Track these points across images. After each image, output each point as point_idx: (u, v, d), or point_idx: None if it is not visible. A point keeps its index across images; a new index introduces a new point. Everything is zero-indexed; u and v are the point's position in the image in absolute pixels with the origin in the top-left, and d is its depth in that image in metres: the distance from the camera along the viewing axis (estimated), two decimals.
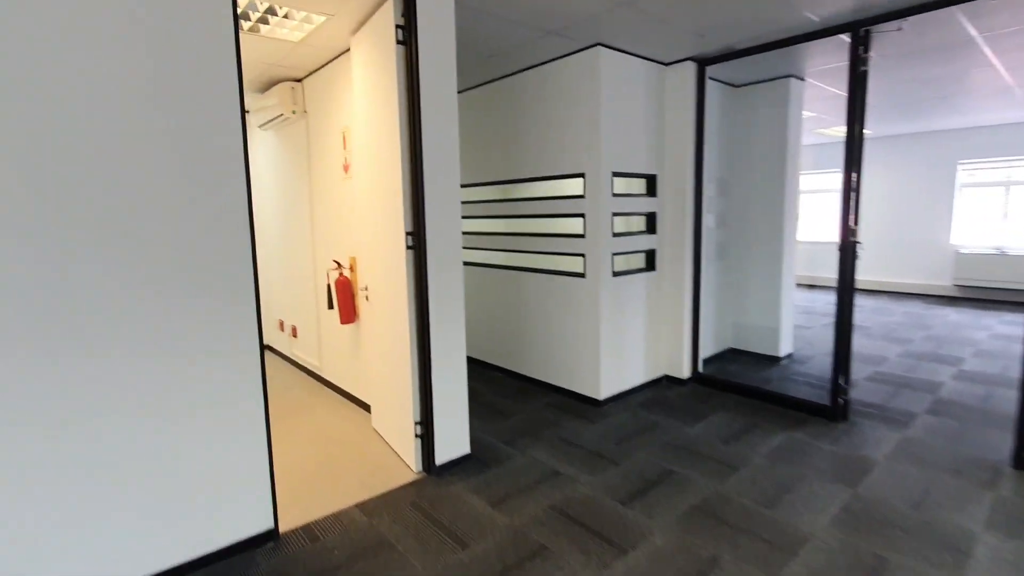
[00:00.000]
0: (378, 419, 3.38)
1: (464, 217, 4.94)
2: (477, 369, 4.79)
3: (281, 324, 5.34)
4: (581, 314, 3.84)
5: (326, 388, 4.43)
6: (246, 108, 5.24)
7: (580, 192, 3.76)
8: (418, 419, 2.84)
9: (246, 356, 2.13)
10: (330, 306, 3.79)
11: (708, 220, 4.30)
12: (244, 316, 2.11)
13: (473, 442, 3.17)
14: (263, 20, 2.98)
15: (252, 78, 4.14)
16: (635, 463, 2.91)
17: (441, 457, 2.86)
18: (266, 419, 2.20)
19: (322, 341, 4.46)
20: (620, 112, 3.72)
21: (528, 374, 4.37)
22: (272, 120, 4.45)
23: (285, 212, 4.93)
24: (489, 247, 4.66)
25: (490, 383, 4.40)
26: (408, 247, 2.71)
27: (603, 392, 3.79)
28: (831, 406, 3.47)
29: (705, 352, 4.37)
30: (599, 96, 3.57)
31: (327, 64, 3.80)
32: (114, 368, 1.84)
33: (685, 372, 4.19)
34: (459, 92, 4.76)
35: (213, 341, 2.04)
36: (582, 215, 3.76)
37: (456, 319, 2.85)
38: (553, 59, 3.84)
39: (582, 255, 3.78)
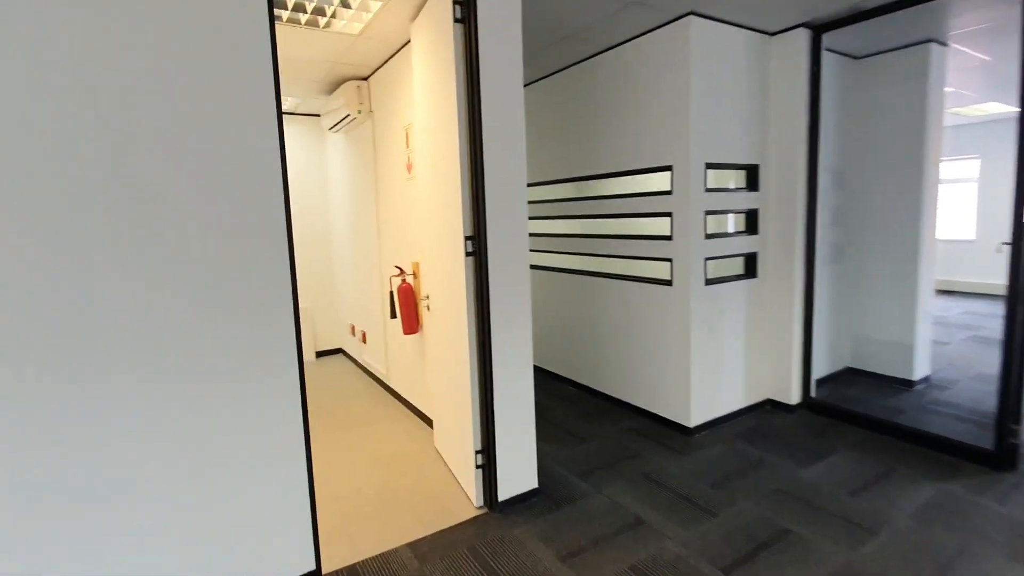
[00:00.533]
0: (440, 439, 3.11)
1: (535, 218, 4.59)
2: (547, 382, 4.41)
3: (353, 329, 5.27)
4: (668, 326, 3.35)
5: (392, 398, 4.25)
6: (316, 112, 5.25)
7: (666, 188, 3.27)
8: (479, 447, 2.52)
9: (283, 377, 1.90)
10: (392, 315, 3.58)
11: (822, 217, 3.64)
12: (281, 334, 1.88)
13: (542, 472, 2.80)
14: (319, 11, 2.80)
15: (318, 78, 4.04)
16: (738, 515, 2.39)
17: (505, 491, 2.52)
18: (306, 447, 1.96)
19: (388, 349, 4.29)
20: (715, 93, 3.19)
21: (605, 391, 3.93)
22: (340, 122, 4.34)
23: (354, 215, 4.84)
24: (562, 250, 4.26)
25: (562, 399, 4.00)
26: (467, 253, 2.39)
27: (694, 418, 3.28)
28: (996, 451, 2.74)
29: (818, 372, 3.71)
30: (690, 75, 3.06)
31: (390, 59, 3.60)
32: (132, 388, 1.67)
33: (793, 397, 3.56)
34: (527, 84, 4.41)
35: (245, 361, 1.83)
36: (668, 214, 3.27)
37: (522, 335, 2.50)
38: (635, 36, 3.38)
39: (668, 260, 3.29)
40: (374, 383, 4.66)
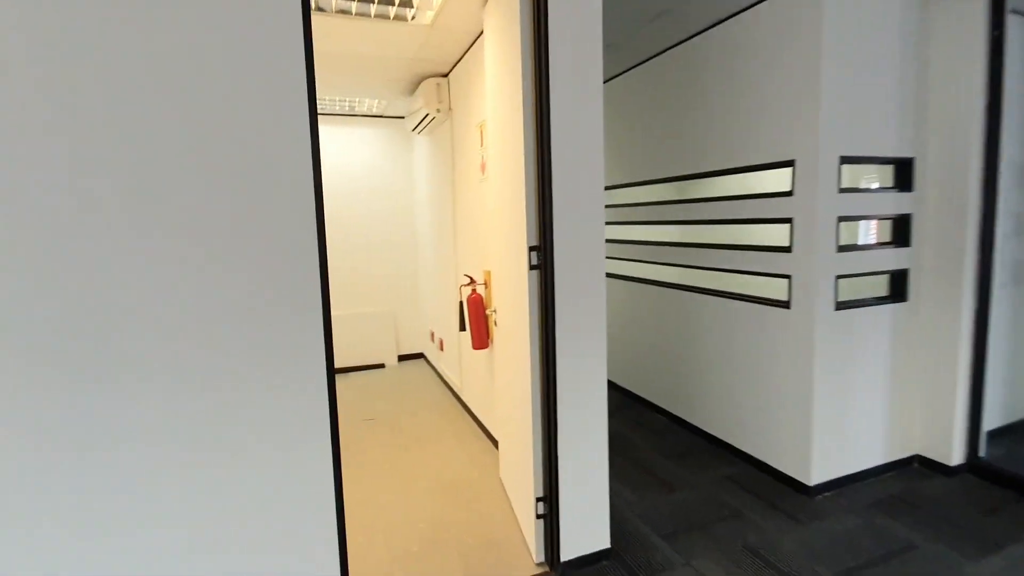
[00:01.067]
0: (505, 470, 2.78)
1: (621, 223, 4.11)
2: (630, 407, 3.92)
3: (432, 335, 5.14)
4: (783, 357, 2.74)
5: (463, 412, 4.00)
6: (400, 114, 5.18)
7: (786, 188, 2.68)
8: (540, 494, 2.15)
9: (304, 394, 1.66)
10: (462, 327, 3.32)
11: (1002, 225, 2.80)
12: (308, 344, 1.64)
13: (616, 524, 2.36)
14: (387, 1, 2.59)
15: (399, 77, 3.90)
16: None
17: (570, 549, 2.12)
18: (335, 478, 1.72)
19: (462, 360, 4.06)
20: (854, 68, 2.54)
21: (701, 426, 3.36)
22: (421, 122, 4.18)
23: (433, 218, 4.68)
24: (653, 259, 3.75)
25: (647, 430, 3.50)
26: (531, 266, 2.04)
27: (815, 474, 2.64)
28: None
29: (990, 423, 2.87)
30: (821, 46, 2.46)
31: (467, 52, 3.34)
32: (135, 394, 1.51)
33: (954, 455, 2.77)
34: (613, 77, 3.95)
35: (263, 371, 1.61)
36: (788, 220, 2.66)
37: (594, 365, 2.09)
38: (749, 6, 2.81)
39: (786, 277, 2.69)
40: (448, 393, 4.46)
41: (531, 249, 2.03)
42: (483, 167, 3.15)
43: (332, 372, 1.70)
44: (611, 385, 4.47)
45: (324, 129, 5.08)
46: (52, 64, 1.38)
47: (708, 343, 3.26)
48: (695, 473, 2.90)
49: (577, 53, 1.96)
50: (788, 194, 2.66)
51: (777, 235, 2.75)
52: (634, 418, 3.75)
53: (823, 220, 2.52)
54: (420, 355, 5.66)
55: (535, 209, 2.03)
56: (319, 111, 4.90)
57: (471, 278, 3.25)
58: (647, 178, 3.79)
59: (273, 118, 1.59)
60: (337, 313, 5.25)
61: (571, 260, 2.02)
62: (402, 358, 5.57)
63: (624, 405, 4.02)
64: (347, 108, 4.90)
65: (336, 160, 5.17)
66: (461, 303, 3.30)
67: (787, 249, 2.68)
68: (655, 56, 3.59)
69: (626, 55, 3.61)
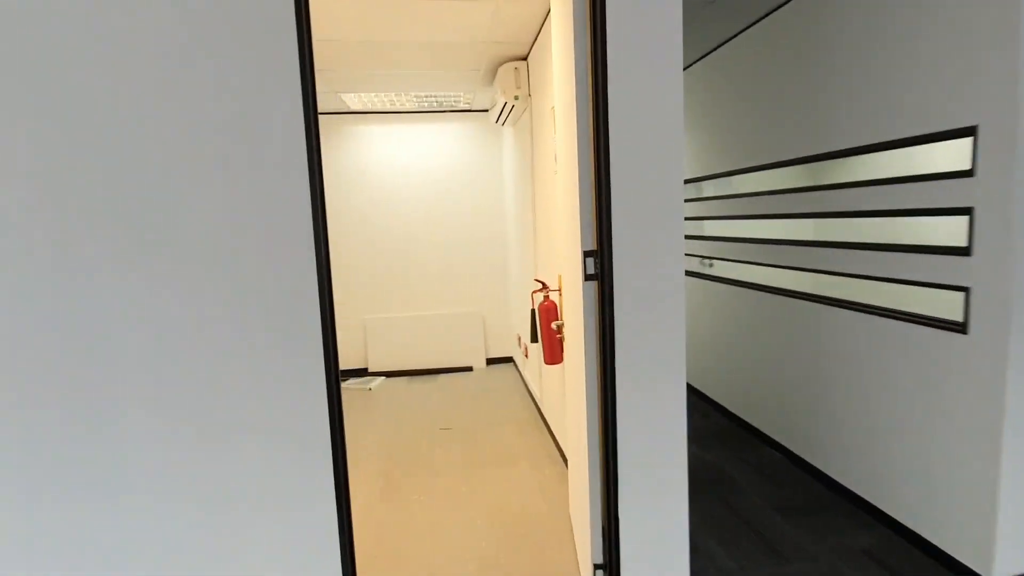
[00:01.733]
0: (573, 509, 2.39)
1: (722, 218, 3.45)
2: (733, 433, 3.27)
3: (519, 339, 4.85)
4: (954, 399, 2.01)
5: (543, 429, 3.65)
6: (485, 106, 4.91)
7: (962, 166, 1.94)
8: (598, 560, 1.73)
9: (300, 426, 1.42)
10: (533, 338, 2.96)
11: None
12: (304, 377, 1.40)
13: None
14: None
15: (476, 65, 3.62)
16: None
17: None
18: (339, 505, 1.46)
19: (542, 372, 3.70)
20: None
21: (828, 472, 2.66)
22: (502, 112, 3.88)
23: (517, 215, 4.36)
24: (763, 261, 3.07)
25: (755, 468, 2.86)
26: (587, 276, 1.62)
27: (1000, 566, 1.89)
28: None
29: None
30: None
31: (542, 27, 2.96)
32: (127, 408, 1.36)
33: None
34: (715, 49, 3.28)
35: (249, 408, 1.39)
36: (966, 210, 1.93)
37: (670, 405, 1.62)
38: None
39: (962, 289, 1.95)
40: (531, 405, 4.13)
41: (586, 255, 1.62)
42: (556, 156, 2.76)
43: (335, 388, 1.44)
44: (712, 405, 3.83)
45: (409, 128, 4.99)
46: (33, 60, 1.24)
47: (843, 368, 2.55)
48: (818, 539, 2.26)
49: (645, 17, 1.49)
50: (966, 174, 1.92)
51: (948, 231, 2.02)
52: (740, 451, 3.12)
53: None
54: (509, 359, 5.40)
55: (591, 202, 1.61)
56: (404, 108, 4.81)
57: (543, 283, 2.87)
58: (758, 163, 3.12)
59: (260, 113, 1.35)
60: (425, 313, 5.17)
61: (637, 270, 1.57)
62: (491, 361, 5.36)
63: (728, 433, 3.39)
64: (435, 104, 4.76)
65: (424, 157, 5.07)
66: (533, 311, 2.95)
67: (964, 251, 1.94)
68: (769, 14, 2.90)
69: (728, 23, 2.97)
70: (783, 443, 3.04)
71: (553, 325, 2.57)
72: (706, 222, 4.06)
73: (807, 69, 2.68)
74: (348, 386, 4.76)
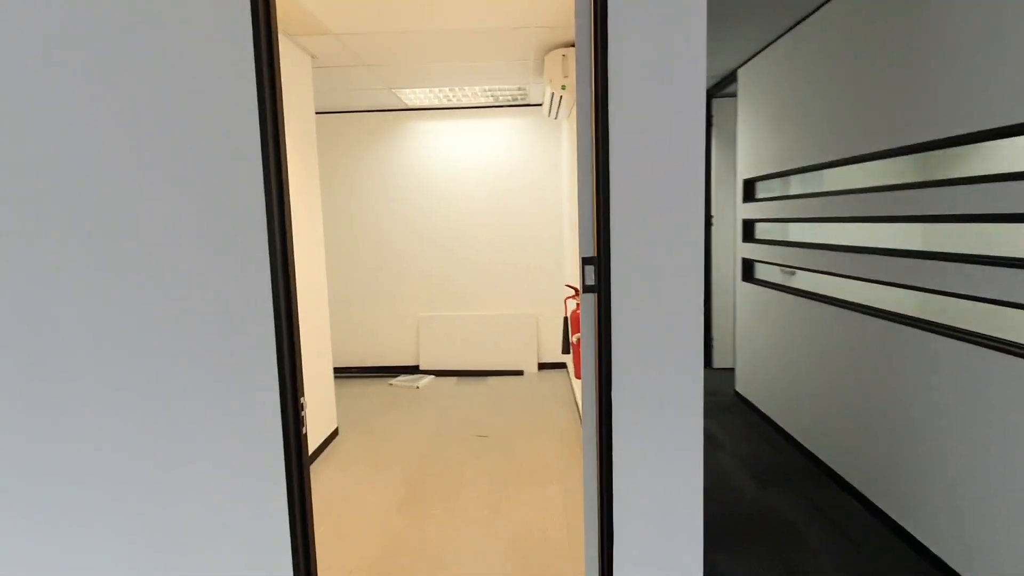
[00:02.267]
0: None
1: (805, 220, 2.95)
2: (805, 472, 2.79)
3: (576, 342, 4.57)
4: None
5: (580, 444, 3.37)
6: (539, 101, 4.64)
7: None
8: None
9: (252, 470, 1.29)
10: (565, 348, 2.70)
11: None
12: (254, 402, 1.27)
13: None
14: None
15: (525, 54, 3.40)
16: None
17: None
18: (294, 529, 1.32)
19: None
20: None
21: (919, 537, 2.16)
22: (552, 104, 3.63)
23: (572, 216, 4.09)
24: (851, 272, 2.57)
25: (827, 520, 2.41)
26: (585, 287, 1.36)
27: None
28: None
29: None
30: None
31: None
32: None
33: None
34: (804, 17, 2.79)
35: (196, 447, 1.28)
36: None
37: (683, 454, 1.32)
38: None
39: None
40: (575, 416, 3.85)
41: (584, 262, 1.35)
42: None
43: (295, 399, 1.31)
44: (785, 437, 3.33)
45: (467, 124, 4.87)
46: None
47: (950, 415, 2.05)
48: None
49: None
50: None
51: None
52: (811, 496, 2.65)
53: None
54: (563, 365, 5.13)
55: (591, 204, 1.34)
56: (461, 104, 4.69)
57: (576, 289, 2.60)
58: (854, 153, 2.62)
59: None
60: (478, 313, 5.04)
61: (642, 283, 1.29)
62: (543, 367, 5.12)
63: (800, 472, 2.91)
64: (491, 99, 4.60)
65: (480, 154, 4.93)
66: (565, 319, 2.69)
67: None
68: None
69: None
70: (863, 492, 2.54)
71: (574, 338, 2.30)
72: (789, 225, 3.55)
73: (917, 32, 2.18)
74: (396, 383, 4.74)
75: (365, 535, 2.44)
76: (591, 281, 1.34)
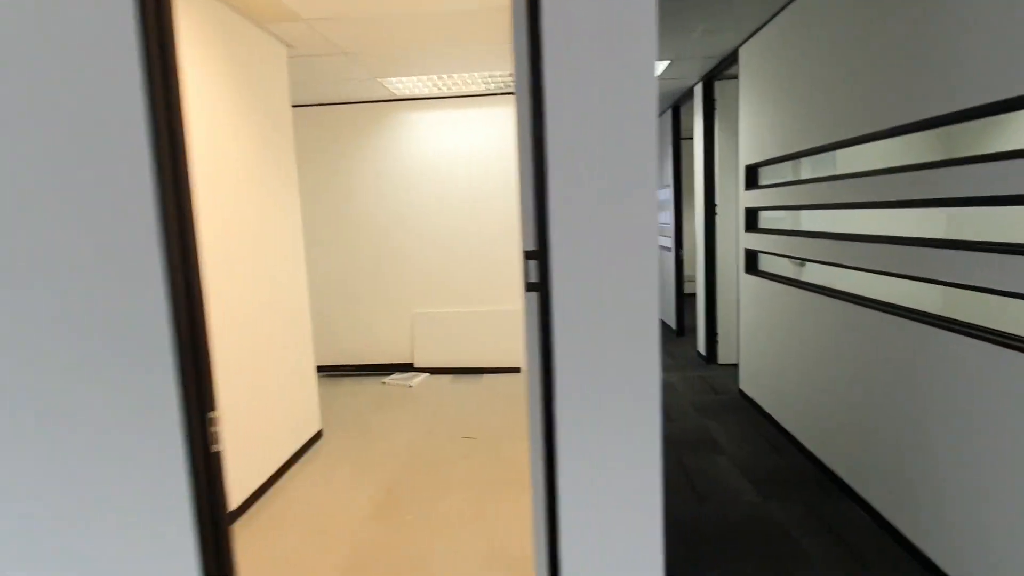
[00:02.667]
0: None
1: (814, 207, 2.74)
2: (812, 481, 2.60)
3: None
4: None
5: None
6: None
7: None
8: None
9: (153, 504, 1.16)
10: None
11: None
12: (154, 422, 1.14)
13: None
14: None
15: (507, 35, 3.22)
16: None
17: None
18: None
19: None
20: None
21: (935, 559, 1.97)
22: None
23: None
24: (864, 264, 2.36)
25: (828, 526, 2.22)
26: (528, 285, 1.20)
27: None
28: None
29: None
30: None
31: None
32: None
33: None
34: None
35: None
36: None
37: (640, 475, 1.16)
38: None
39: None
40: None
41: (527, 257, 1.19)
42: None
43: (202, 419, 1.18)
44: (790, 440, 3.14)
45: (458, 113, 4.70)
46: None
47: (969, 424, 1.85)
48: None
49: None
50: None
51: None
52: (815, 505, 2.46)
53: None
54: None
55: (531, 191, 1.18)
56: (447, 93, 4.52)
57: None
58: (868, 130, 2.41)
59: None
60: (474, 309, 4.90)
61: (587, 280, 1.12)
62: None
63: (804, 479, 2.72)
64: (487, 86, 4.42)
65: (474, 145, 4.76)
66: None
67: None
68: None
69: None
70: (875, 506, 2.35)
71: None
72: (799, 213, 3.34)
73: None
74: (389, 382, 4.63)
75: (333, 543, 2.33)
76: (534, 280, 1.18)
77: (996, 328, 1.72)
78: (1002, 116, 1.80)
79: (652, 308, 1.12)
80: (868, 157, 2.75)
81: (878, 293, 2.39)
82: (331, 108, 4.72)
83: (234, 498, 2.56)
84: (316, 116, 4.74)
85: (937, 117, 1.88)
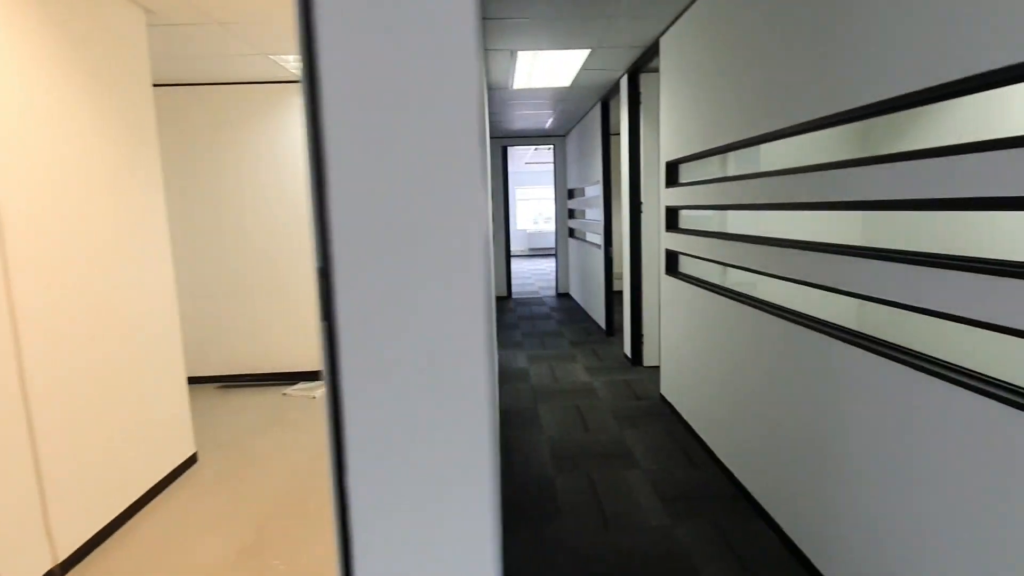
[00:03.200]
0: None
1: (721, 208, 2.58)
2: (723, 495, 2.45)
3: None
4: None
5: None
6: None
7: None
8: None
9: None
10: None
11: None
12: None
13: None
14: None
15: None
16: None
17: None
18: None
19: None
20: None
21: None
22: None
23: None
24: (772, 270, 2.21)
25: (736, 550, 2.06)
26: (323, 314, 0.89)
27: None
28: None
29: None
30: None
31: None
32: None
33: None
34: None
35: None
36: None
37: (462, 541, 0.88)
38: None
39: None
40: None
41: (320, 275, 0.88)
42: None
43: None
44: (707, 454, 3.00)
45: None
46: None
47: (874, 448, 1.70)
48: None
49: None
50: None
51: None
52: (726, 527, 2.30)
53: None
54: None
55: (313, 171, 0.87)
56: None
57: None
58: (771, 129, 2.24)
59: None
60: None
61: (384, 304, 0.83)
62: None
63: (717, 497, 2.57)
64: None
65: None
66: None
67: None
68: None
69: None
70: (784, 528, 2.20)
71: None
72: (727, 213, 3.18)
73: None
74: (291, 392, 4.21)
75: None
76: (321, 263, 0.88)
77: (907, 347, 1.57)
78: (932, 108, 1.66)
79: (477, 332, 0.85)
80: (799, 154, 2.61)
81: (796, 302, 2.24)
82: (217, 89, 4.20)
83: (62, 545, 2.12)
84: (199, 97, 4.20)
85: (860, 108, 1.71)
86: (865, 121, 1.77)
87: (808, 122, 1.94)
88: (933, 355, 1.47)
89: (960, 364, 1.38)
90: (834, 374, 1.83)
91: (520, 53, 3.87)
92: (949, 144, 1.34)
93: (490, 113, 6.03)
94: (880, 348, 1.61)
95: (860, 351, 1.69)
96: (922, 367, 1.44)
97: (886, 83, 1.54)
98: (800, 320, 2.03)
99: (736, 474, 2.62)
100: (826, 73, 1.82)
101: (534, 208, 15.55)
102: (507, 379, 4.41)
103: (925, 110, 2.44)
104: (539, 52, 3.83)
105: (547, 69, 4.36)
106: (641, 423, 3.46)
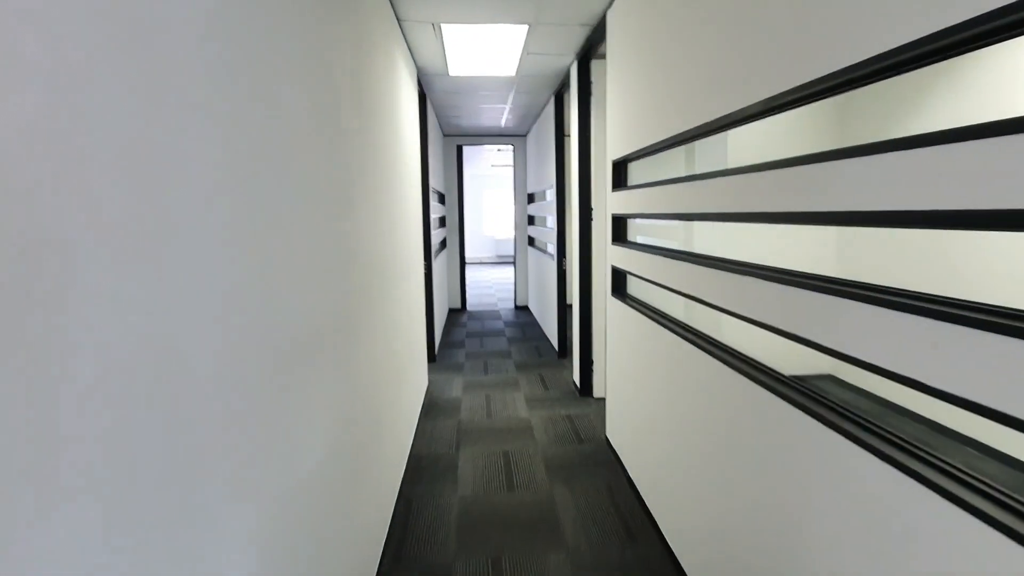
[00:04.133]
0: None
1: (652, 216, 1.99)
2: (650, 569, 1.84)
3: None
4: None
5: None
6: None
7: None
8: None
9: None
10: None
11: None
12: None
13: None
14: None
15: None
16: None
17: None
18: None
19: None
20: None
21: None
22: None
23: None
24: (703, 295, 1.61)
25: None
26: None
27: None
28: None
29: None
30: None
31: None
32: None
33: None
34: None
35: None
36: None
37: None
38: None
39: None
40: None
41: None
42: None
43: None
44: (646, 515, 2.39)
45: None
46: None
47: (831, 529, 1.10)
48: None
49: None
50: None
51: None
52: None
53: None
54: None
55: None
56: None
57: None
58: (719, 115, 1.65)
59: None
60: None
61: None
62: None
63: (644, 558, 1.95)
64: None
65: None
66: None
67: None
68: None
69: None
70: None
71: None
72: (693, 224, 2.59)
73: None
74: None
75: None
76: None
77: (924, 448, 0.97)
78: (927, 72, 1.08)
79: None
80: (776, 148, 2.03)
81: (753, 346, 1.64)
82: None
83: None
84: None
85: (845, 69, 1.12)
86: (855, 117, 1.18)
87: (782, 94, 1.34)
88: (950, 463, 0.87)
89: (990, 481, 0.79)
90: (809, 463, 1.23)
91: (445, 28, 3.24)
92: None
93: (433, 105, 5.39)
94: (874, 444, 1.01)
95: (858, 447, 1.09)
96: (926, 478, 0.85)
97: (877, 36, 0.95)
98: (768, 383, 1.43)
99: (680, 557, 2.01)
100: (805, 29, 1.23)
101: (507, 214, 14.91)
102: (432, 414, 3.76)
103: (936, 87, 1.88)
104: (467, 26, 3.21)
105: (485, 52, 3.75)
106: (577, 477, 2.83)
